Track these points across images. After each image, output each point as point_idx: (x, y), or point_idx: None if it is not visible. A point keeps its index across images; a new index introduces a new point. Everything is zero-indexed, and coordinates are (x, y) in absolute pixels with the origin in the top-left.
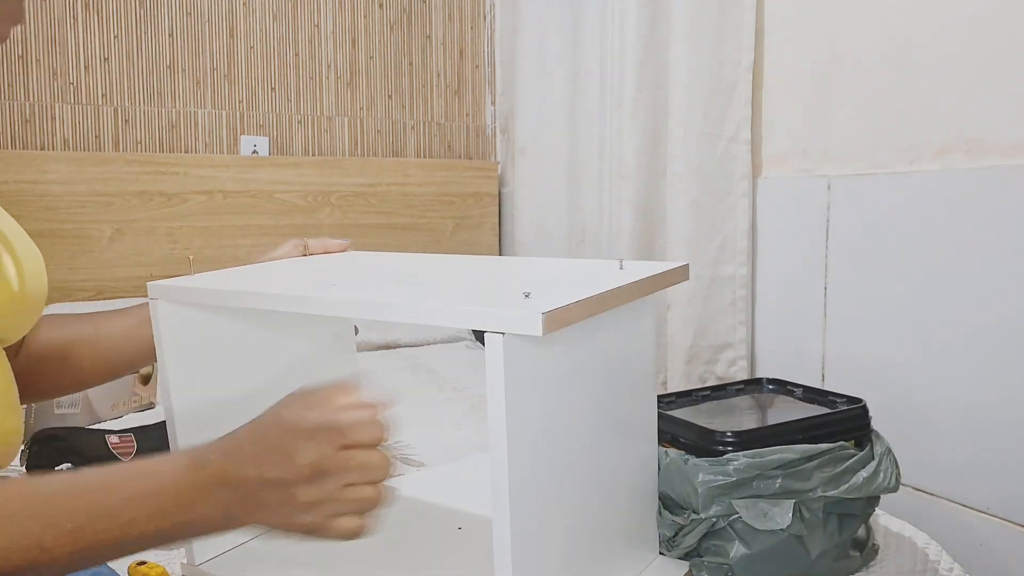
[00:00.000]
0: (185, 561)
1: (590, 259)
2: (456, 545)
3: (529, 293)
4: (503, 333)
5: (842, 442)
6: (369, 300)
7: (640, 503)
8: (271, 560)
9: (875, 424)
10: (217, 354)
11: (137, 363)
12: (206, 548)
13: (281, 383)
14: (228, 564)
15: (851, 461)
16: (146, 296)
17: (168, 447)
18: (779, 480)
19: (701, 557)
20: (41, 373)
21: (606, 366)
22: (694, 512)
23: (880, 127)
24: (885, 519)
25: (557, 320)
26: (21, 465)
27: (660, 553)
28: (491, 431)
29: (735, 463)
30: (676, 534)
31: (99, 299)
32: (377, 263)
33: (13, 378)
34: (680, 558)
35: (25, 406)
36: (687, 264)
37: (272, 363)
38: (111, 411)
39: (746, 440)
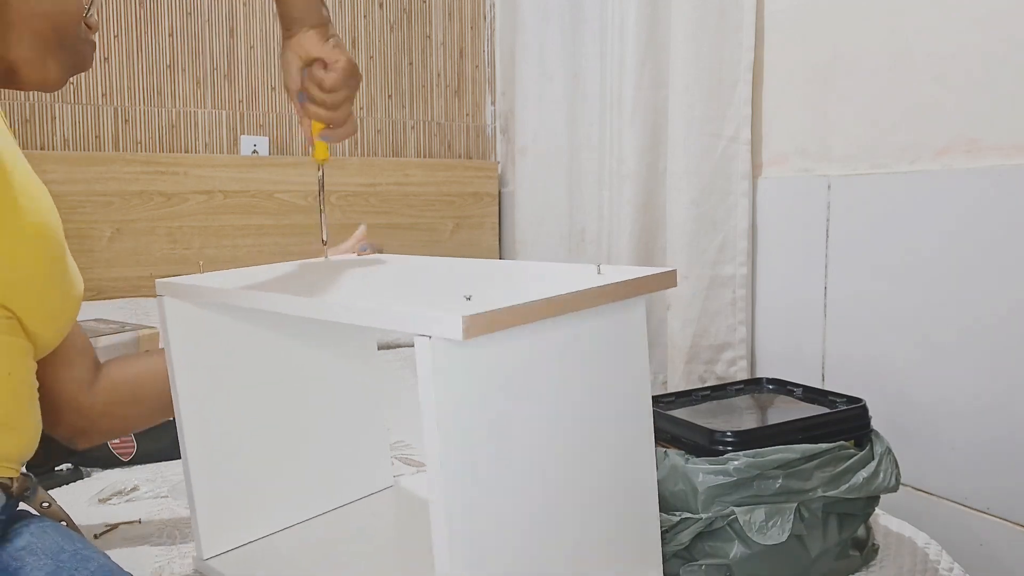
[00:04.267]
0: (195, 555)
1: (577, 263)
2: None
3: (471, 296)
4: (430, 336)
5: (842, 442)
6: (310, 302)
7: (634, 516)
8: (277, 557)
9: (875, 424)
10: (225, 352)
11: None
12: (215, 543)
13: (291, 382)
14: (236, 560)
15: (851, 461)
16: (145, 296)
17: (170, 446)
18: (779, 480)
19: (697, 560)
20: (114, 410)
21: (575, 371)
22: (694, 512)
23: (880, 127)
24: (885, 519)
25: (481, 324)
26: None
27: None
28: (426, 445)
29: (735, 463)
30: (668, 530)
31: (99, 299)
32: (395, 267)
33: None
34: (672, 556)
35: None
36: (674, 270)
37: (281, 362)
38: None
39: (746, 440)
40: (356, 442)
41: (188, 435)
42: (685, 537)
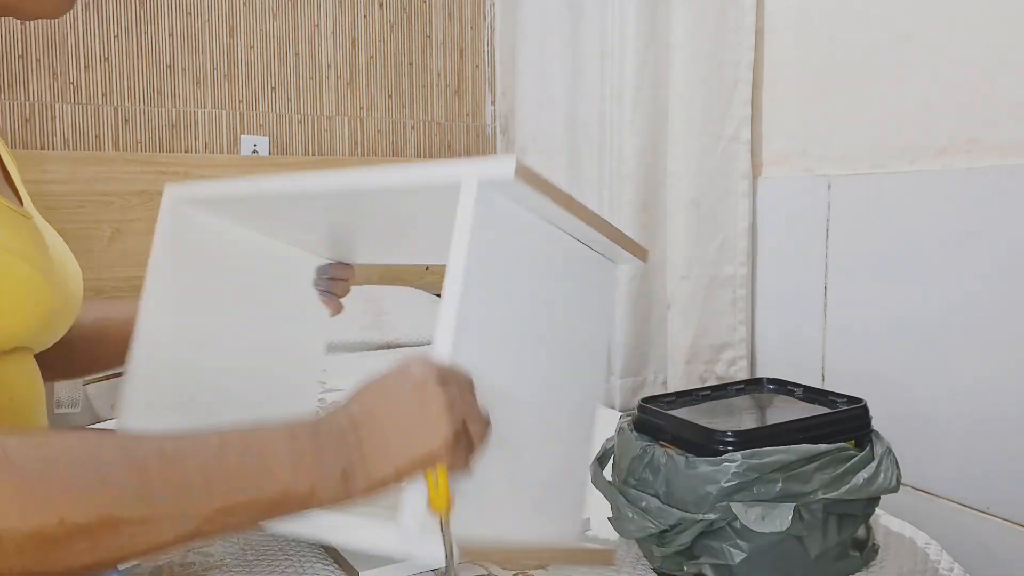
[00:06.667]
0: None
1: None
2: None
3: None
4: (477, 179)
5: (842, 443)
6: (357, 172)
7: (574, 463)
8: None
9: (875, 424)
10: (206, 264)
11: None
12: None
13: (253, 301)
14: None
15: (851, 462)
16: None
17: None
18: (779, 484)
19: (698, 557)
20: (80, 350)
21: (565, 286)
22: (693, 512)
23: (880, 127)
24: (885, 519)
25: (529, 175)
26: None
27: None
28: (448, 272)
29: (735, 465)
30: (670, 529)
31: (99, 299)
32: None
33: (43, 387)
34: (674, 554)
35: None
36: (645, 249)
37: (253, 282)
38: (111, 411)
39: (746, 440)
40: (292, 369)
41: (143, 335)
42: (687, 538)
